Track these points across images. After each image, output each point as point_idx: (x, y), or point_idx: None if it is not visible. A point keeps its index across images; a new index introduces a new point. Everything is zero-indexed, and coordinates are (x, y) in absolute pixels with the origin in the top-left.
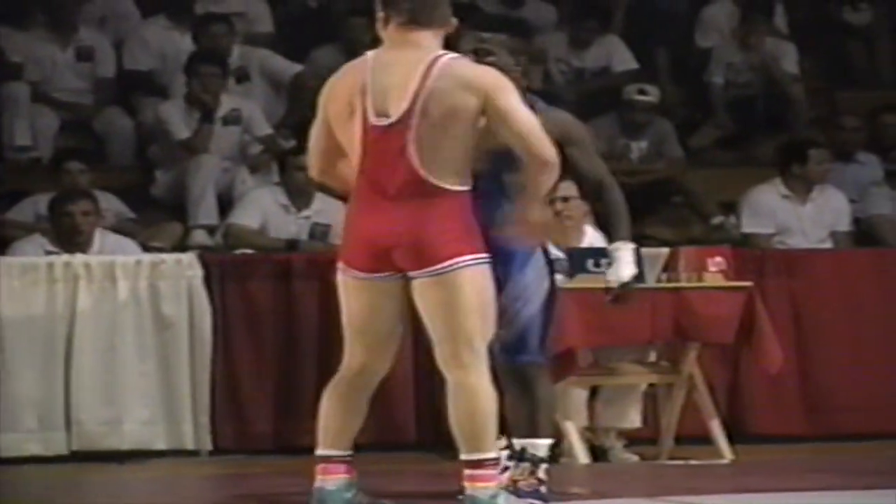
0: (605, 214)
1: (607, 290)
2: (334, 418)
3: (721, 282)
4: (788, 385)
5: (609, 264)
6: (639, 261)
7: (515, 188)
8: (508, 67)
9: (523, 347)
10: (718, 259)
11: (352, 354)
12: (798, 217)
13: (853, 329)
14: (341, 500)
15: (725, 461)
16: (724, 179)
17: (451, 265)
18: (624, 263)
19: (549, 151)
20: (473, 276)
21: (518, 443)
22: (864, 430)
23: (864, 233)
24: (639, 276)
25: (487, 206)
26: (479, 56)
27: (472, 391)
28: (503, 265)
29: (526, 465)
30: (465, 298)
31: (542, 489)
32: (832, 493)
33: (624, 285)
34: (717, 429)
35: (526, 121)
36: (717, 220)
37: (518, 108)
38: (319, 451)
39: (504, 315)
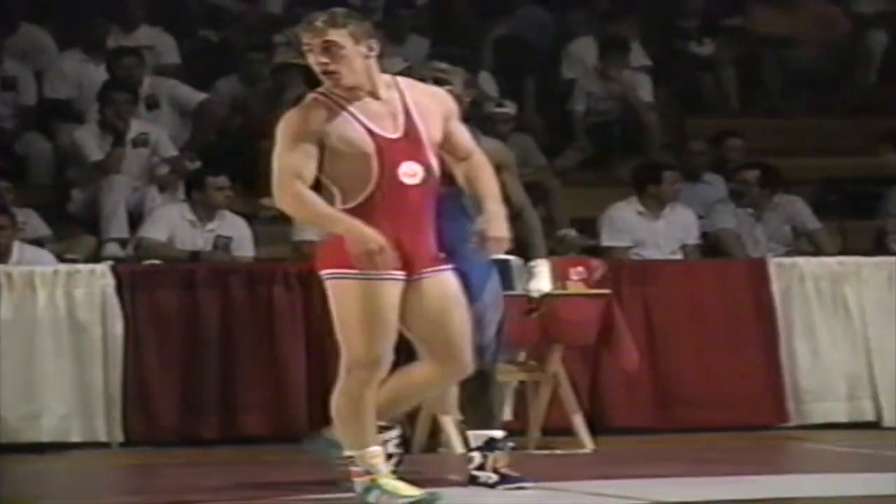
0: (526, 234)
1: (529, 300)
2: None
3: (582, 290)
4: (642, 383)
5: (527, 279)
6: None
7: (474, 209)
8: (462, 96)
9: (490, 350)
10: (580, 269)
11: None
12: (652, 231)
13: (700, 332)
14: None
15: (587, 451)
16: (585, 197)
17: (323, 275)
18: (543, 277)
19: (279, 194)
20: (331, 288)
21: (481, 434)
22: (708, 423)
23: (710, 245)
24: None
25: (451, 226)
26: (439, 83)
27: (334, 398)
28: (463, 278)
29: (498, 453)
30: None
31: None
32: (680, 480)
33: (545, 296)
34: (579, 422)
35: (274, 164)
36: (561, 232)
37: (275, 152)
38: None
39: (480, 321)
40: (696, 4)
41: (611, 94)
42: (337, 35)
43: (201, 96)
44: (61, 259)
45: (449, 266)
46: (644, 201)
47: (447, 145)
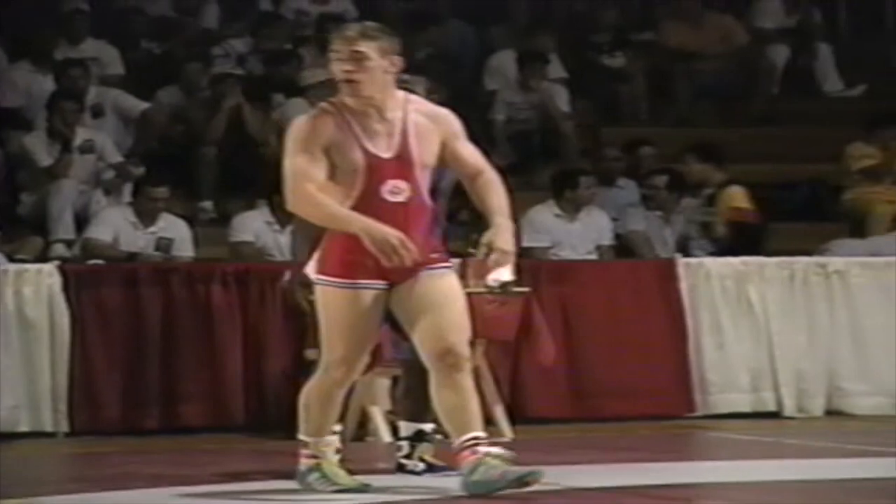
0: None
1: (490, 291)
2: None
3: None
4: (559, 375)
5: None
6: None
7: (442, 215)
8: None
9: None
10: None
11: None
12: (568, 233)
13: (613, 327)
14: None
15: (507, 439)
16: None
17: (315, 280)
18: (503, 269)
19: (291, 197)
20: (318, 293)
21: (411, 425)
22: (620, 414)
23: (623, 246)
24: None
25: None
26: None
27: (306, 389)
28: None
29: (426, 444)
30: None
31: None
32: (594, 466)
33: (503, 285)
34: (500, 412)
35: (285, 169)
36: (475, 235)
37: (285, 158)
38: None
39: None
40: (609, 20)
41: (530, 105)
42: (366, 46)
43: (144, 105)
44: (11, 259)
45: (443, 266)
46: (561, 205)
47: (453, 164)
